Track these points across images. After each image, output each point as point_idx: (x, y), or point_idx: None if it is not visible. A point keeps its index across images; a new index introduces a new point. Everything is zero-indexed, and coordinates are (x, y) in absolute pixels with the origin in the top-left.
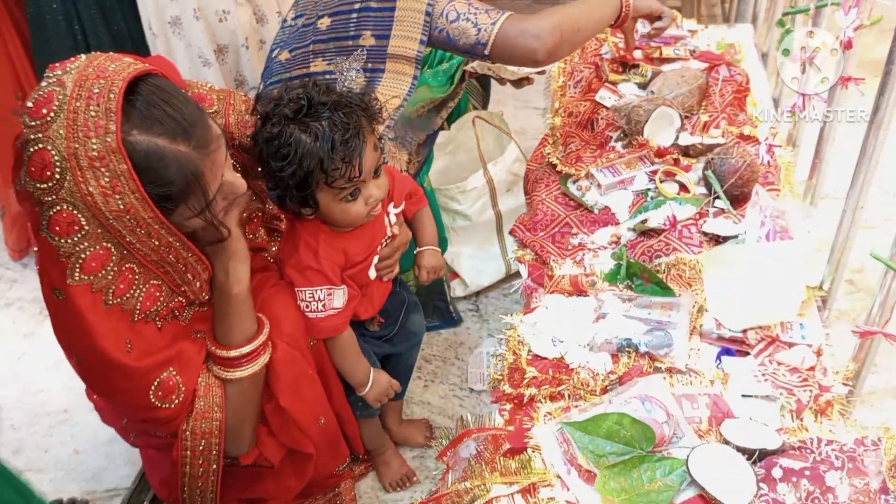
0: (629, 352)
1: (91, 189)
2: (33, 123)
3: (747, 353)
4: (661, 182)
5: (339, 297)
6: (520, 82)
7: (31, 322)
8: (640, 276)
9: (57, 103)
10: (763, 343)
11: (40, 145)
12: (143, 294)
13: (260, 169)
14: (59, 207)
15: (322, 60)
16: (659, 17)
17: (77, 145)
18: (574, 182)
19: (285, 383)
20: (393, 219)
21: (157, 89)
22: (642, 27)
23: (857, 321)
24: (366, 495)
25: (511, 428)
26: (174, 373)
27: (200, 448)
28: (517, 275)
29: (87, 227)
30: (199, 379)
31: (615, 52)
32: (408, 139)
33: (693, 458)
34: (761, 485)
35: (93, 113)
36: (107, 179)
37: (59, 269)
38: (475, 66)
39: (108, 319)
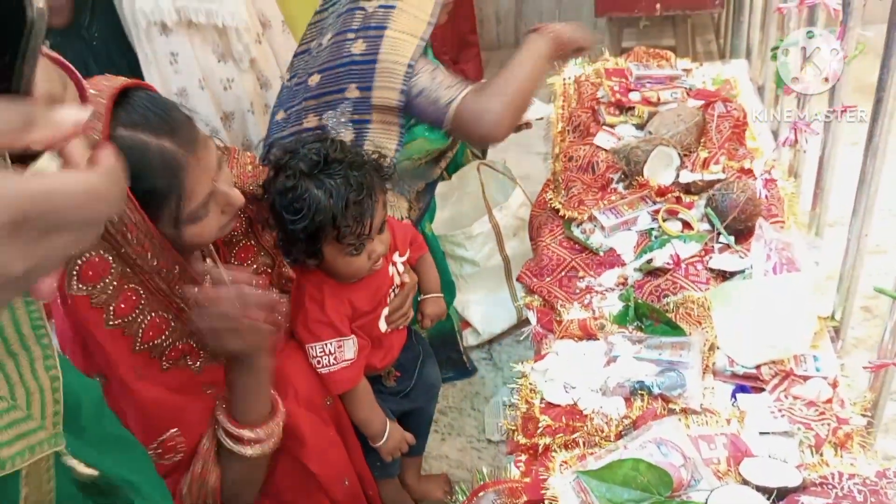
0: (642, 394)
1: None
2: None
3: (762, 389)
4: (664, 221)
5: (349, 348)
6: (518, 127)
7: None
8: (648, 316)
9: None
10: (777, 378)
11: None
12: (147, 322)
13: (268, 218)
14: None
15: (314, 116)
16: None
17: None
18: (578, 226)
19: (312, 449)
20: (400, 268)
21: (148, 98)
22: (636, 69)
23: (874, 348)
24: None
25: (527, 479)
26: (177, 433)
27: None
28: (528, 320)
29: None
30: (203, 442)
31: (611, 96)
32: (405, 188)
33: (712, 501)
34: None
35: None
36: None
37: (58, 272)
38: None
39: (112, 340)
